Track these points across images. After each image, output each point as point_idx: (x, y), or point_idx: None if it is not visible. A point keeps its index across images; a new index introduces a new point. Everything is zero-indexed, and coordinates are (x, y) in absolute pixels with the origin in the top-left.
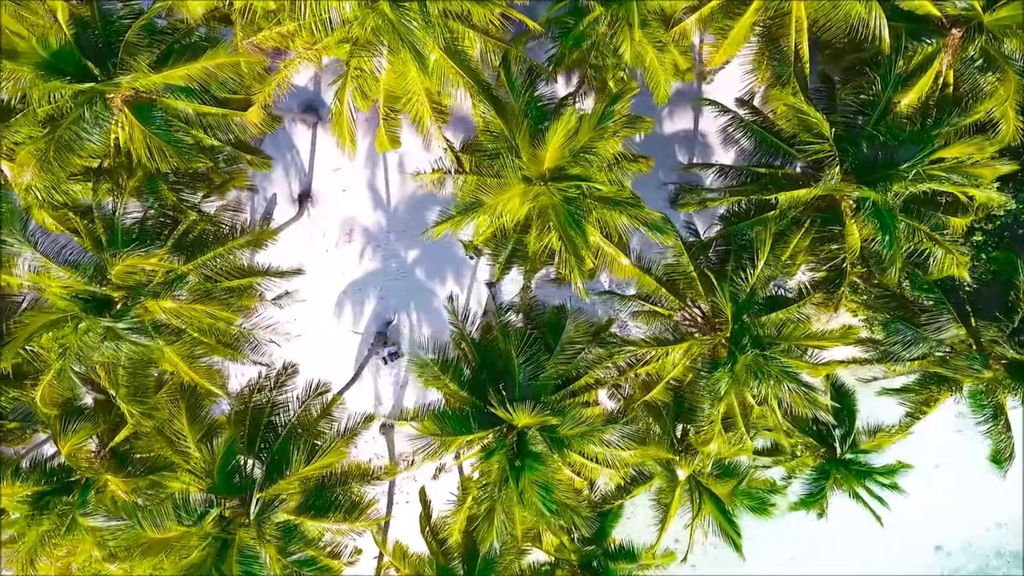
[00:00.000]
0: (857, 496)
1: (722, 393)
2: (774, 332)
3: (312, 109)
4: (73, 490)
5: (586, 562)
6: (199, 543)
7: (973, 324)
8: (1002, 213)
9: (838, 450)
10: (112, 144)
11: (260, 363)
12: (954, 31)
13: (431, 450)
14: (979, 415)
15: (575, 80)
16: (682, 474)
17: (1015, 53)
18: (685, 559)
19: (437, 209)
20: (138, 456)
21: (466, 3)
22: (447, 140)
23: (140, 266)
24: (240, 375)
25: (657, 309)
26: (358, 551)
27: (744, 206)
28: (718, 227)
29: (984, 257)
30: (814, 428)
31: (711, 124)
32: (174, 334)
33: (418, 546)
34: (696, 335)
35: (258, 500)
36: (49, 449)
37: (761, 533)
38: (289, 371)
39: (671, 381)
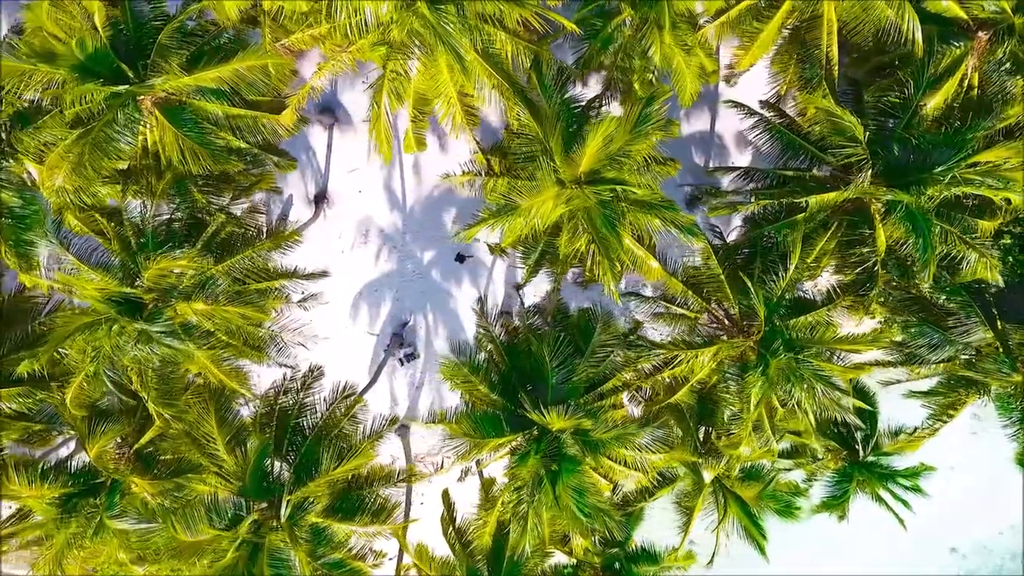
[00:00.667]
0: (880, 499)
1: (759, 396)
2: (807, 335)
3: (328, 110)
4: (99, 492)
5: (608, 564)
6: (230, 546)
7: (1000, 327)
8: None
9: (860, 452)
10: (140, 146)
11: (285, 365)
12: (980, 33)
13: (462, 452)
14: (1006, 418)
15: (596, 82)
16: (708, 477)
17: None
18: (711, 562)
19: (453, 211)
20: (163, 458)
21: (500, 4)
22: (478, 142)
23: (172, 268)
24: (257, 377)
25: (682, 311)
26: (382, 554)
27: (772, 209)
28: (738, 229)
29: (1011, 260)
30: (835, 430)
31: (727, 126)
32: (203, 337)
33: (435, 546)
34: (723, 338)
35: (288, 502)
36: (63, 451)
37: (776, 534)
38: (315, 373)
39: (695, 384)
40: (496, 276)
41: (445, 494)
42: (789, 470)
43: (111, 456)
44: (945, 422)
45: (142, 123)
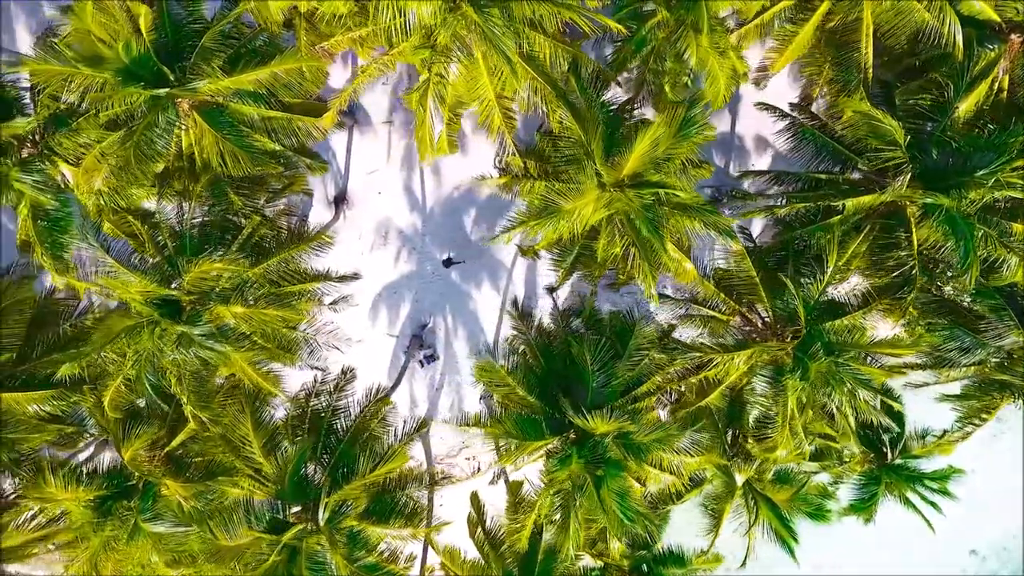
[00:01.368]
0: (908, 502)
1: (801, 400)
2: (846, 338)
3: (348, 112)
4: (131, 495)
5: (636, 567)
6: (270, 550)
7: None
8: None
9: (888, 455)
10: (175, 149)
11: (316, 367)
12: (1013, 36)
13: (503, 453)
14: None
15: (625, 84)
16: (740, 479)
17: None
18: (744, 564)
19: (473, 212)
20: (193, 460)
21: (545, 7)
22: (516, 145)
23: (211, 271)
24: (284, 380)
25: (715, 314)
26: (412, 556)
27: (806, 212)
28: (762, 232)
29: None
30: (861, 432)
31: (746, 128)
32: (239, 339)
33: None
34: (757, 340)
35: (326, 505)
36: (82, 454)
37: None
38: (348, 376)
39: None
40: (516, 278)
41: (474, 496)
42: (816, 473)
43: (144, 459)
44: (978, 425)
45: (178, 125)
